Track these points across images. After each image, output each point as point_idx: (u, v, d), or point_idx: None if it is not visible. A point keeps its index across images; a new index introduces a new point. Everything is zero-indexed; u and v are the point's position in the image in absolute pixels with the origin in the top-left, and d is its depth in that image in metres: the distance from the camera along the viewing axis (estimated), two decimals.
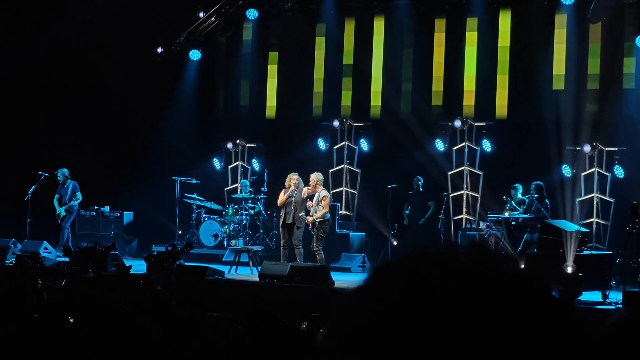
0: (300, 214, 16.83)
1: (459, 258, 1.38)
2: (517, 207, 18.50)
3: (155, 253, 17.31)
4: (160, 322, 6.56)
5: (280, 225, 17.19)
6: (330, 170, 21.83)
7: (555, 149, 19.43)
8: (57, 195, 20.51)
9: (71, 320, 6.73)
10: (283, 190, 17.12)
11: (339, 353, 1.37)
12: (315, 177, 17.05)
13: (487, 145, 20.58)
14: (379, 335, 1.33)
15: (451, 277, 1.34)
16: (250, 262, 17.99)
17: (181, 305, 7.96)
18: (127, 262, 17.27)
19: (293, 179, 17.04)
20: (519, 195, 18.70)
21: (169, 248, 15.17)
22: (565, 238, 15.40)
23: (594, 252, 16.94)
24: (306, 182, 17.10)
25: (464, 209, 20.66)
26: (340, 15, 22.61)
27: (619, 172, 19.36)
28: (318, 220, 16.67)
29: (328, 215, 16.92)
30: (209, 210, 21.59)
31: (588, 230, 18.16)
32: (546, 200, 18.03)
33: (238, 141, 22.89)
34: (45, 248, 19.12)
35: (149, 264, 15.11)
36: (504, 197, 18.87)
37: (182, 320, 7.10)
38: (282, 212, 17.04)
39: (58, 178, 20.46)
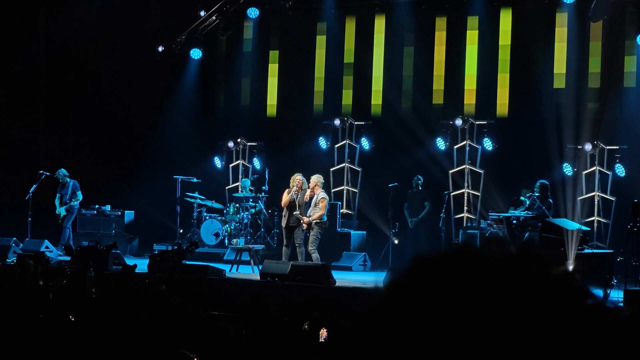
0: (295, 212, 16.84)
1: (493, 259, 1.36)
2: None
3: (156, 252, 17.33)
4: (164, 321, 6.56)
5: (283, 226, 17.18)
6: (331, 169, 21.84)
7: (556, 148, 19.42)
8: (58, 195, 20.52)
9: (72, 318, 6.73)
10: (287, 191, 17.11)
11: (353, 348, 1.36)
12: (315, 179, 17.07)
13: (488, 144, 20.57)
14: (389, 333, 1.32)
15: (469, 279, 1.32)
16: (252, 261, 17.99)
17: (184, 304, 7.96)
18: (128, 261, 17.29)
19: (296, 179, 17.02)
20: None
21: (175, 247, 15.17)
22: (567, 236, 15.41)
23: (595, 251, 16.95)
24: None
25: (465, 208, 20.67)
26: (341, 13, 22.61)
27: (620, 170, 19.35)
28: (314, 221, 16.68)
29: (325, 218, 16.91)
30: (210, 209, 21.59)
31: (589, 229, 18.15)
32: (549, 199, 17.99)
33: (239, 140, 22.89)
34: (47, 247, 19.12)
35: (154, 263, 15.09)
36: (521, 198, 18.83)
37: (184, 319, 7.10)
38: (285, 213, 17.04)
39: (60, 180, 20.47)
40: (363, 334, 1.36)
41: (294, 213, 16.84)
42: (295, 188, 16.93)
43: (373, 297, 1.39)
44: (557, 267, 1.36)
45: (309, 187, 17.00)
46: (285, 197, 17.05)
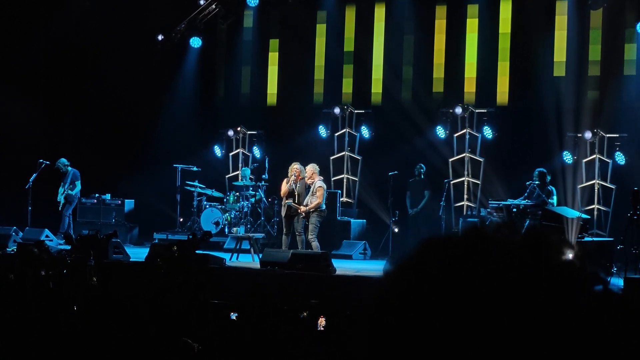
0: (287, 200, 16.87)
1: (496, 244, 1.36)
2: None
3: (156, 241, 17.34)
4: (171, 311, 6.58)
5: (283, 215, 17.20)
6: (331, 158, 21.84)
7: (556, 136, 19.42)
8: (62, 184, 20.56)
9: (75, 308, 6.74)
10: (285, 180, 17.14)
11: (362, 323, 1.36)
12: (311, 168, 17.10)
13: (488, 132, 20.56)
14: (395, 313, 1.32)
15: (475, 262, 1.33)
16: (252, 250, 18.01)
17: (188, 293, 7.98)
18: (128, 250, 17.32)
19: (294, 168, 17.05)
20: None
21: (190, 237, 15.15)
22: (567, 225, 15.42)
23: (595, 239, 16.97)
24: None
25: (465, 196, 20.68)
26: (341, 2, 22.57)
27: (620, 158, 19.35)
28: (311, 210, 16.69)
29: (323, 206, 16.91)
30: (210, 198, 21.58)
31: (589, 217, 18.17)
32: (548, 187, 17.98)
33: (239, 128, 22.88)
34: (47, 236, 19.11)
35: (168, 253, 15.01)
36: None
37: (189, 308, 7.11)
38: (284, 202, 17.06)
39: (61, 170, 20.48)
40: (373, 319, 1.36)
41: (286, 201, 16.88)
42: (293, 177, 16.95)
43: (383, 281, 1.39)
44: (567, 252, 1.37)
45: (306, 176, 17.02)
46: (284, 187, 17.07)
